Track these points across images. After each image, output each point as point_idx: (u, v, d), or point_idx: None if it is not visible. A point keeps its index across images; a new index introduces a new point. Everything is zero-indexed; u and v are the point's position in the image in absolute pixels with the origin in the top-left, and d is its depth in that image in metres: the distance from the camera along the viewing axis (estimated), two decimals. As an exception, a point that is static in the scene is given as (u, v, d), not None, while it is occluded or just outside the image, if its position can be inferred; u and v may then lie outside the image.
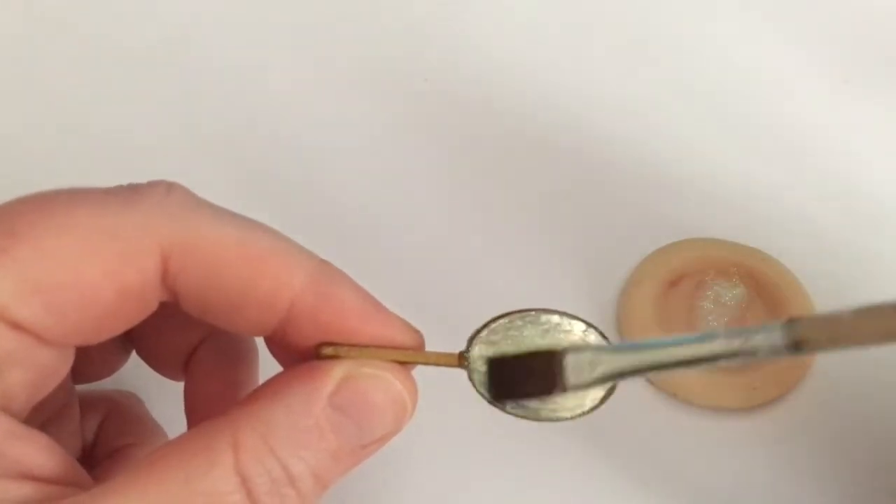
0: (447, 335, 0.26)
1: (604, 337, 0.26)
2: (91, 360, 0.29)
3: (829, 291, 0.38)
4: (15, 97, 0.44)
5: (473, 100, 0.45)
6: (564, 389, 0.25)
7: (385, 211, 0.41)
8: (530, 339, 0.26)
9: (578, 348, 0.25)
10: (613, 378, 0.25)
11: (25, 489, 0.22)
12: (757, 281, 0.38)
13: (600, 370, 0.25)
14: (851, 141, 0.44)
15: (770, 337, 0.23)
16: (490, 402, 0.26)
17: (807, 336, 0.23)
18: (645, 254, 0.40)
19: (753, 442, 0.36)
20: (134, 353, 0.31)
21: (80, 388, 0.30)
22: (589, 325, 0.26)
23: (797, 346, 0.23)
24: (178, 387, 0.30)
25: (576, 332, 0.26)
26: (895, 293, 0.38)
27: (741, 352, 0.23)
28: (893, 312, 0.22)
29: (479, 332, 0.26)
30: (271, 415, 0.23)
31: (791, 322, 0.23)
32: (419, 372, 0.26)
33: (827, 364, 0.37)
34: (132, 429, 0.31)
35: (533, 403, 0.25)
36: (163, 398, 0.31)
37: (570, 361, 0.25)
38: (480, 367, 0.26)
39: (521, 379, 0.25)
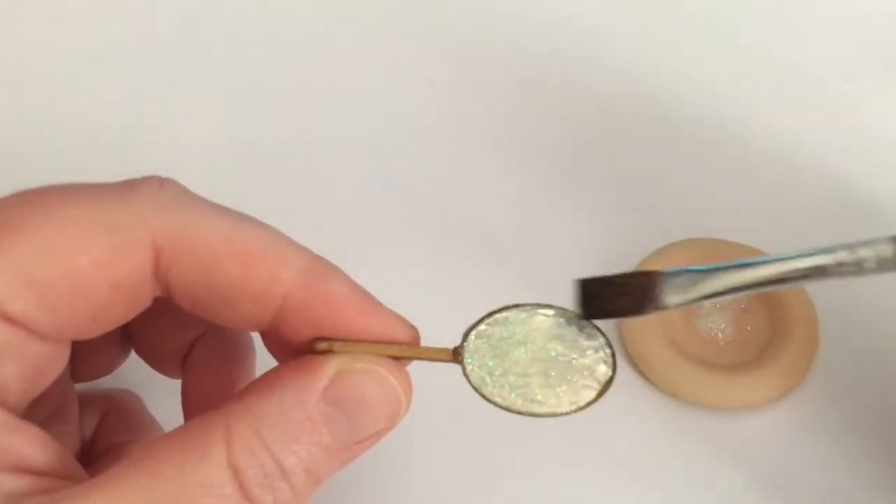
0: (443, 331, 0.26)
1: (599, 331, 0.26)
2: (90, 357, 0.30)
3: (828, 291, 0.38)
4: (16, 94, 0.44)
5: (473, 99, 0.45)
6: (660, 307, 0.24)
7: (382, 206, 0.42)
8: (524, 333, 0.26)
9: (676, 271, 0.25)
10: (714, 296, 0.24)
11: (20, 481, 0.22)
12: (757, 281, 0.38)
13: (700, 289, 0.24)
14: (852, 141, 0.43)
15: (878, 248, 0.23)
16: (484, 398, 0.26)
17: None
18: (645, 254, 0.40)
19: (753, 442, 0.36)
20: (133, 352, 0.31)
21: (79, 386, 0.30)
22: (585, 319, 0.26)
23: None
24: (176, 384, 0.30)
25: (572, 325, 0.26)
26: (895, 293, 0.39)
27: (847, 264, 0.23)
28: None
29: (474, 326, 0.26)
30: (264, 408, 0.23)
31: None
32: (414, 368, 0.26)
33: (827, 364, 0.37)
34: (131, 426, 0.31)
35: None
36: (161, 396, 0.31)
37: (668, 281, 0.24)
38: (478, 363, 0.26)
39: (614, 295, 0.25)
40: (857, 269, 0.23)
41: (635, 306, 0.25)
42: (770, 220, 0.41)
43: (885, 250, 0.23)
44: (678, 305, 0.24)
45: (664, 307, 0.24)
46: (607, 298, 0.25)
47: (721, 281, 0.24)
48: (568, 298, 0.26)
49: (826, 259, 0.23)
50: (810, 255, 0.23)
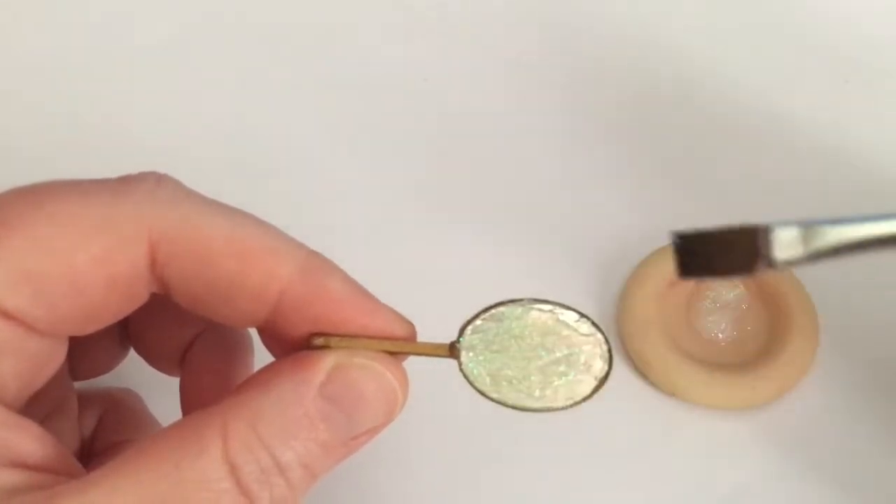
0: (442, 329, 0.26)
1: (596, 326, 0.26)
2: (89, 355, 0.30)
3: (829, 291, 0.38)
4: (14, 93, 0.44)
5: (473, 99, 0.45)
6: (770, 265, 0.22)
7: (383, 205, 0.42)
8: (520, 328, 0.26)
9: (787, 223, 0.22)
10: (828, 254, 0.22)
11: (16, 476, 0.22)
12: (757, 281, 0.38)
13: (816, 244, 0.22)
14: (852, 141, 0.43)
15: None
16: (481, 393, 0.26)
17: None
18: (645, 253, 0.40)
19: (753, 442, 0.36)
20: (132, 351, 0.31)
21: (79, 384, 0.30)
22: (581, 314, 0.26)
23: None
24: (176, 383, 0.30)
25: (568, 321, 0.26)
26: (895, 293, 0.39)
27: None
28: None
29: (470, 321, 0.26)
30: (261, 404, 0.23)
31: None
32: (410, 363, 0.26)
33: (826, 365, 0.37)
34: (130, 425, 0.31)
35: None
36: (161, 394, 0.31)
37: (779, 235, 0.22)
38: (474, 358, 0.26)
39: (719, 253, 0.23)
40: None
41: (740, 264, 0.22)
42: (770, 219, 0.41)
43: None
44: (788, 264, 0.22)
45: (773, 265, 0.22)
46: (708, 256, 0.23)
47: (842, 234, 0.22)
48: (567, 303, 0.26)
49: None
50: None
